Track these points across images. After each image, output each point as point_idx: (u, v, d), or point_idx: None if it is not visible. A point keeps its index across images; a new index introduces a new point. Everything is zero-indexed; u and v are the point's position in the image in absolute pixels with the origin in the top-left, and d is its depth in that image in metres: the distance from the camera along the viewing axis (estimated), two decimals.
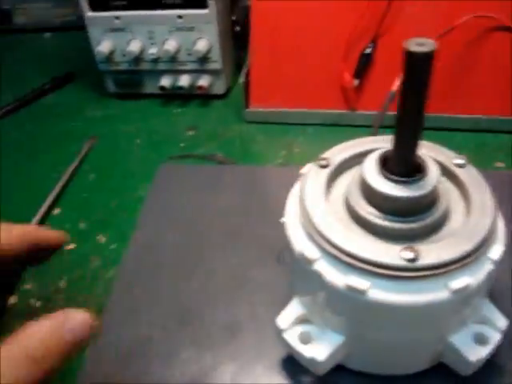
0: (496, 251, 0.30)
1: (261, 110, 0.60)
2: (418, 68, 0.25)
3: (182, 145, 0.59)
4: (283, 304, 0.34)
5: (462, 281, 0.28)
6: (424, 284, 0.28)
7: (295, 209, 0.32)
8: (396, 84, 0.52)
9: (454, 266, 0.28)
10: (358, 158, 0.34)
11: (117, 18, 0.61)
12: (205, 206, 0.49)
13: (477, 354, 0.31)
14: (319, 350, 0.32)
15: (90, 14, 0.62)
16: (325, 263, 0.30)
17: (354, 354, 0.34)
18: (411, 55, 0.25)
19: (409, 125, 0.28)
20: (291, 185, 0.35)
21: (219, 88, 0.66)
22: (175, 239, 0.46)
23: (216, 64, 0.63)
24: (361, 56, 0.55)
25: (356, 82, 0.56)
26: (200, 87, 0.64)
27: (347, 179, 0.34)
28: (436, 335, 0.32)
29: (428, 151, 0.33)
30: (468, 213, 0.31)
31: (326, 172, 0.33)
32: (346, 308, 0.31)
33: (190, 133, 0.61)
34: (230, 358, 0.37)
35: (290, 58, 0.58)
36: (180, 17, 0.60)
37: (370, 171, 0.30)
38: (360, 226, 0.31)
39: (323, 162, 0.33)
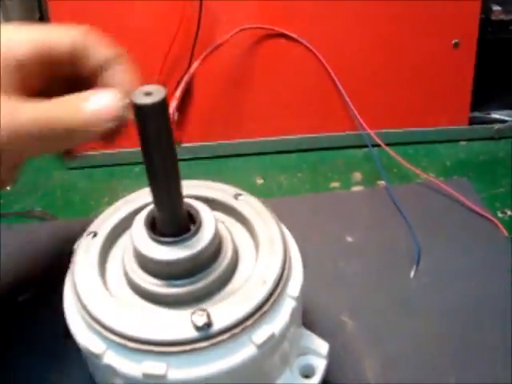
0: (294, 288, 0.28)
1: (81, 153, 0.55)
2: (149, 121, 0.22)
3: None
4: None
5: (264, 332, 0.26)
6: (227, 347, 0.25)
7: (71, 294, 0.28)
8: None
9: (251, 320, 0.26)
10: (131, 219, 0.30)
11: None
12: (20, 273, 0.44)
13: None
14: None
15: None
16: (114, 354, 0.26)
17: None
18: (138, 108, 0.22)
19: (161, 180, 0.25)
20: None
21: None
22: None
23: None
24: (176, 89, 0.52)
25: (175, 115, 0.53)
26: None
27: (122, 247, 0.30)
28: None
29: (206, 191, 0.31)
30: (257, 252, 0.29)
31: (97, 243, 0.29)
32: None
33: (8, 187, 0.55)
34: None
35: None
36: None
37: (139, 236, 0.27)
38: (143, 298, 0.28)
39: (93, 233, 0.30)
